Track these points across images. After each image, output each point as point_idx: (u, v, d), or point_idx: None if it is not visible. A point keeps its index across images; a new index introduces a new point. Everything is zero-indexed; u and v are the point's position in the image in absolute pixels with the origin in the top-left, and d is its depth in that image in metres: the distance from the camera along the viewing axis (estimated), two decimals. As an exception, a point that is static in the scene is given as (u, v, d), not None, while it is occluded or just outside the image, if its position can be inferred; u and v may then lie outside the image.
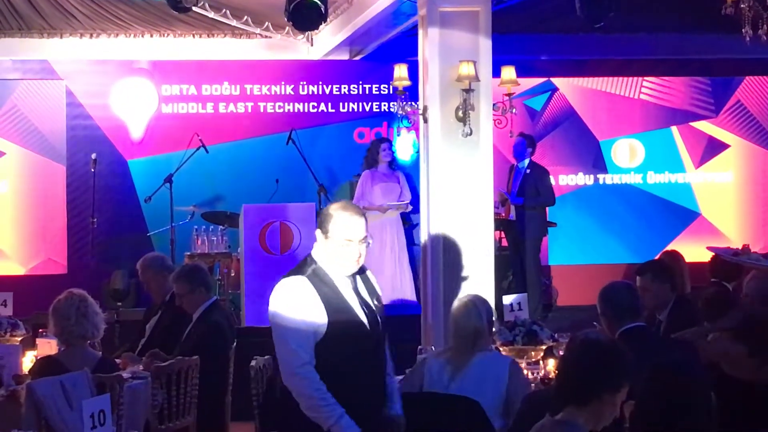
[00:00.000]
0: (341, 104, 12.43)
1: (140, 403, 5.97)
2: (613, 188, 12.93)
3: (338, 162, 12.19)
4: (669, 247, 9.40)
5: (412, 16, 9.33)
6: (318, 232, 4.40)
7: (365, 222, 4.38)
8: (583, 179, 12.90)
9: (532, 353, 6.12)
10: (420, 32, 8.40)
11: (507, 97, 8.50)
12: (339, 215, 4.34)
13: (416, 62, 8.46)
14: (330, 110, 12.40)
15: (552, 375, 5.67)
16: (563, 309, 11.40)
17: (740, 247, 6.92)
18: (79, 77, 12.14)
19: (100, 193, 11.58)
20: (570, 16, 8.46)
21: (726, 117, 13.12)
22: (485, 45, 8.15)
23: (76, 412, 4.81)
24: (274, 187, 11.18)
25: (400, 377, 5.24)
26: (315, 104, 12.39)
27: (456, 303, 5.54)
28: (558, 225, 11.53)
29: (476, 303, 5.45)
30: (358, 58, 12.45)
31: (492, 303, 6.04)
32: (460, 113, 8.06)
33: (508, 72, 8.58)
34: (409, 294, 10.69)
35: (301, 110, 12.35)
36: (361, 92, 12.42)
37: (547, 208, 10.96)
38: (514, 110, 8.61)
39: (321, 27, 9.67)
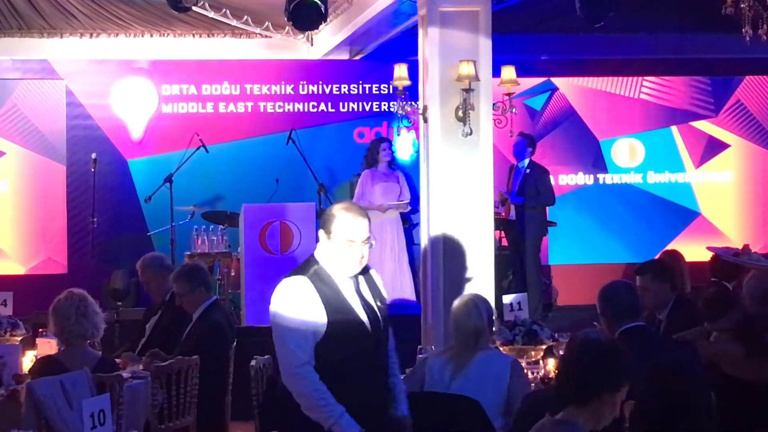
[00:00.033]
0: (341, 104, 12.42)
1: (140, 402, 5.97)
2: (613, 188, 12.92)
3: (338, 162, 12.18)
4: (669, 247, 9.41)
5: (412, 16, 9.33)
6: (321, 233, 4.39)
7: (368, 223, 4.38)
8: (583, 179, 12.89)
9: (532, 353, 6.13)
10: (420, 32, 8.40)
11: (507, 97, 8.50)
12: (342, 216, 4.34)
13: (416, 62, 8.46)
14: (330, 110, 12.39)
15: (552, 375, 5.67)
16: (563, 309, 11.40)
17: (740, 247, 6.90)
18: (79, 77, 12.13)
19: (100, 192, 11.55)
20: (570, 16, 8.46)
21: (726, 117, 13.11)
22: (485, 45, 8.15)
23: (76, 411, 4.80)
24: (274, 186, 11.17)
25: (401, 377, 5.23)
26: (315, 104, 12.38)
27: (456, 302, 5.54)
28: (558, 225, 11.53)
29: (477, 302, 5.46)
30: (358, 57, 12.44)
31: (492, 302, 6.03)
32: (460, 113, 8.06)
33: (508, 72, 8.59)
34: (409, 294, 10.69)
35: (301, 110, 12.34)
36: (361, 92, 12.41)
37: (547, 208, 10.97)
38: (514, 110, 8.61)
39: (321, 27, 9.68)
